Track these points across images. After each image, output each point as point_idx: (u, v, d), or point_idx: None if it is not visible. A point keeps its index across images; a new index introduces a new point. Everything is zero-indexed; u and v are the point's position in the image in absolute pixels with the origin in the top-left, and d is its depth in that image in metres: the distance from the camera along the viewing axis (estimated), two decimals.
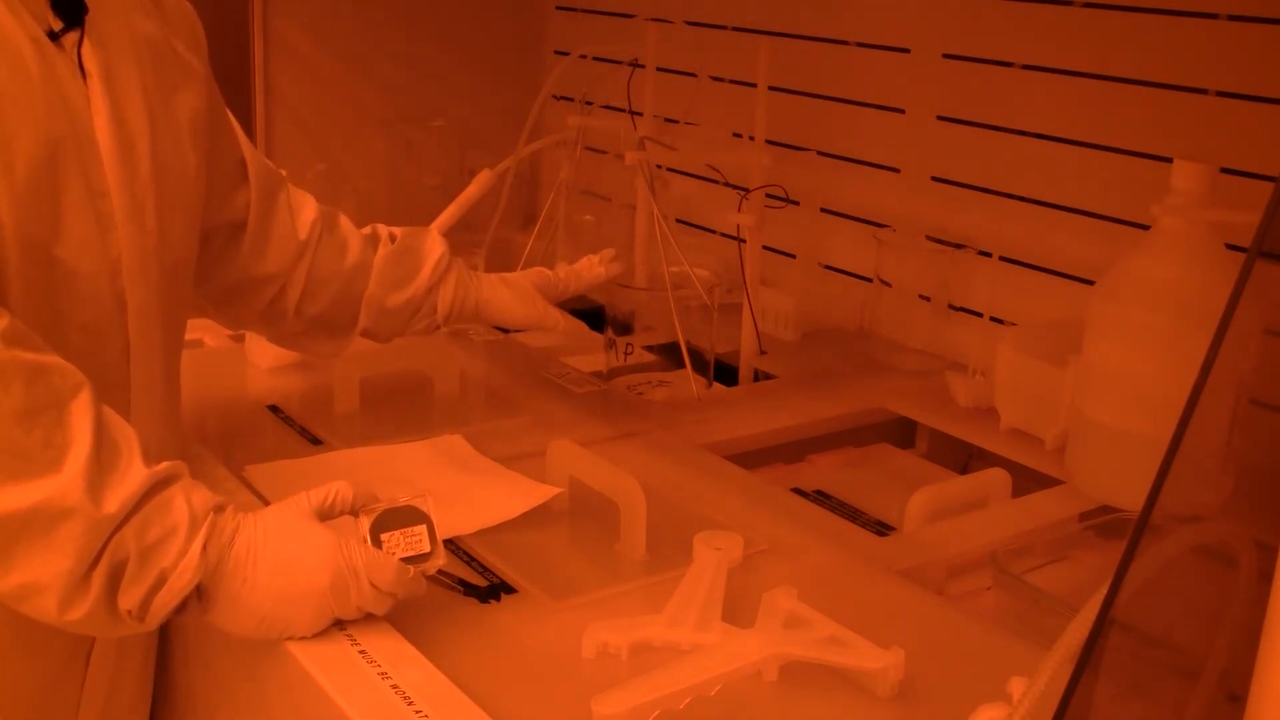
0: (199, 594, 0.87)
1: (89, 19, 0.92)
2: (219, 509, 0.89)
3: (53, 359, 0.84)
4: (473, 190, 1.66)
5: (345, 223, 1.26)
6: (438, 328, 1.31)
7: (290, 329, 1.25)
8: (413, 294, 1.26)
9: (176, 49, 1.03)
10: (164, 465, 0.87)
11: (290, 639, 0.91)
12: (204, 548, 0.86)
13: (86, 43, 0.92)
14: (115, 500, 0.83)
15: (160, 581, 0.85)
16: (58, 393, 0.83)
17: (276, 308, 1.22)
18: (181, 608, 0.87)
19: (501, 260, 1.94)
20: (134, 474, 0.84)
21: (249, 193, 1.16)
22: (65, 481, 0.81)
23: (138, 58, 0.97)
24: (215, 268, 1.17)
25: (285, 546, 0.89)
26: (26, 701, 0.98)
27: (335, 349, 1.28)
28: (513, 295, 1.31)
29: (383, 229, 1.28)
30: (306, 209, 1.22)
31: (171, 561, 0.85)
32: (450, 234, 1.65)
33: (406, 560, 0.92)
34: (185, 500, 0.87)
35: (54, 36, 0.90)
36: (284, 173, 1.23)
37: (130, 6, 0.98)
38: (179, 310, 1.04)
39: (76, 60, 0.92)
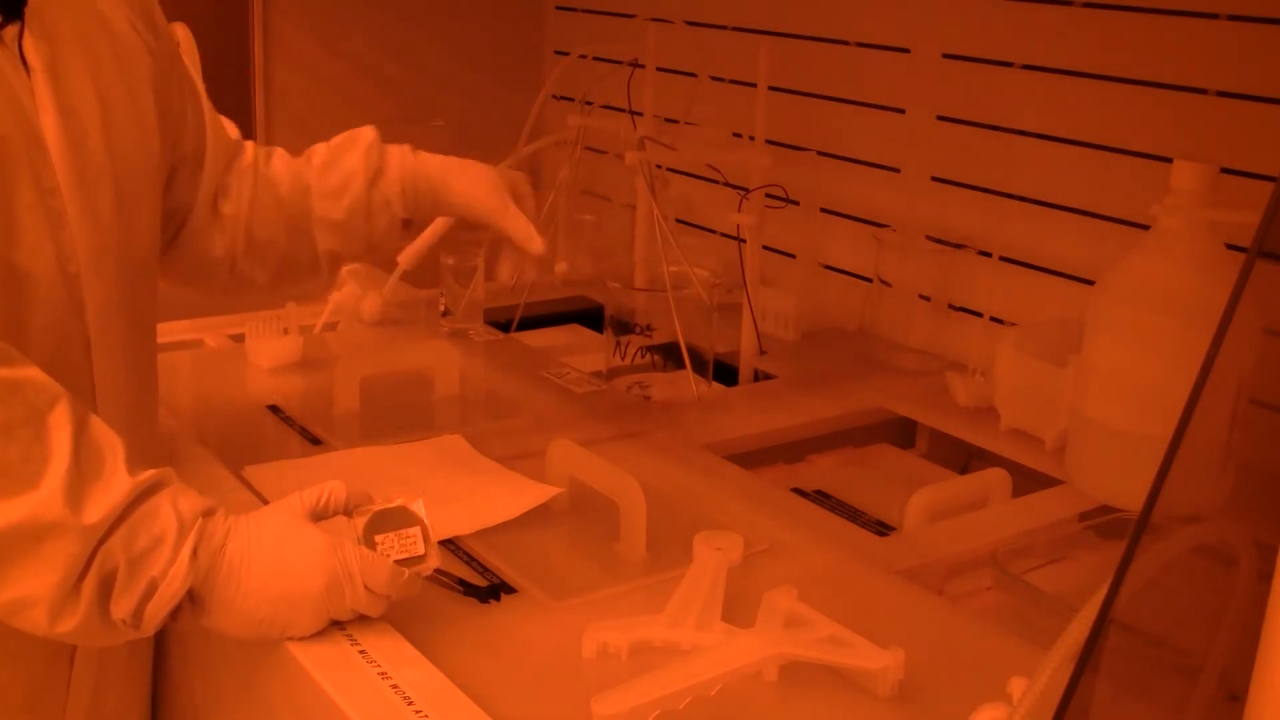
0: (192, 599, 0.87)
1: (29, 10, 0.89)
2: (208, 513, 0.88)
3: (28, 372, 0.83)
4: None
5: (277, 164, 1.19)
6: (409, 223, 1.21)
7: (264, 284, 1.20)
8: (355, 195, 1.17)
9: (135, 25, 1.00)
10: (149, 473, 0.86)
11: (286, 640, 0.90)
12: (193, 554, 0.85)
13: (28, 35, 0.89)
14: (98, 510, 0.82)
15: (151, 590, 0.84)
16: (33, 407, 0.82)
17: (238, 278, 1.19)
18: (176, 613, 0.87)
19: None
20: (117, 484, 0.84)
21: (206, 179, 1.13)
22: (44, 496, 0.80)
23: (88, 44, 0.94)
24: (171, 255, 1.14)
25: (279, 549, 0.89)
26: (13, 704, 0.97)
27: (323, 278, 1.23)
28: (476, 177, 1.18)
29: (319, 146, 1.20)
30: (235, 185, 1.16)
31: (161, 569, 0.84)
32: (450, 234, 1.65)
33: (400, 562, 0.92)
34: (172, 507, 0.86)
35: None
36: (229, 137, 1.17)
37: None
38: (145, 304, 1.02)
39: (18, 55, 0.89)
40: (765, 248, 1.58)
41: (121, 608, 0.84)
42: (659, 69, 1.58)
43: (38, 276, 0.90)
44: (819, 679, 0.90)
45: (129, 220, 0.97)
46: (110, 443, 0.86)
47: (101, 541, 0.82)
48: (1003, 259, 1.50)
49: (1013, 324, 1.50)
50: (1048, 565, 1.14)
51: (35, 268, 0.89)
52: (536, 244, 1.17)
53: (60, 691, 1.01)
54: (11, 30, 0.89)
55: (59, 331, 0.92)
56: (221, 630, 0.89)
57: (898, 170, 1.67)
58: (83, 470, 0.83)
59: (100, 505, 0.82)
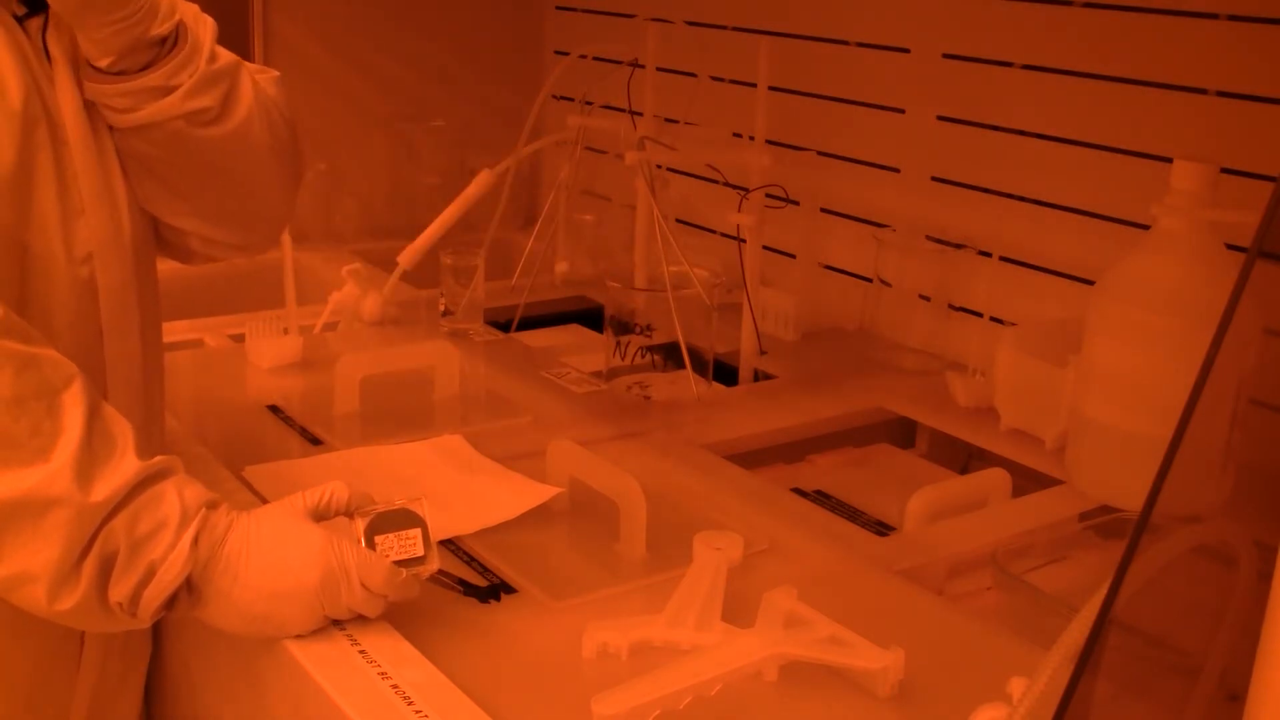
0: (189, 589, 0.87)
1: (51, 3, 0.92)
2: (212, 505, 0.89)
3: (46, 351, 0.85)
4: (473, 190, 1.66)
5: None
6: None
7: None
8: None
9: None
10: (158, 460, 0.87)
11: (282, 638, 0.91)
12: (194, 542, 0.86)
13: (50, 28, 0.92)
14: (104, 489, 0.83)
15: (150, 574, 0.85)
16: (48, 383, 0.83)
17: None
18: (172, 603, 0.87)
19: (502, 260, 1.94)
20: (126, 466, 0.85)
21: None
22: (53, 470, 0.81)
23: None
24: None
25: (277, 546, 0.89)
26: (21, 692, 0.98)
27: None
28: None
29: None
30: None
31: (161, 554, 0.85)
32: (450, 234, 1.65)
33: (400, 563, 0.92)
34: (177, 494, 0.87)
35: (20, 21, 0.91)
36: None
37: None
38: (151, 288, 1.03)
39: (42, 45, 0.92)
40: (765, 248, 1.58)
41: (120, 590, 0.84)
42: (659, 69, 1.58)
43: (52, 260, 0.91)
44: (819, 679, 0.90)
45: (134, 205, 0.98)
46: (121, 427, 0.87)
47: (105, 521, 0.83)
48: (1003, 259, 1.50)
49: (1013, 324, 1.50)
50: (1048, 565, 1.14)
51: (50, 251, 0.91)
52: None
53: (68, 681, 1.01)
54: (35, 23, 0.92)
55: (74, 315, 0.93)
56: (216, 624, 0.90)
57: (898, 170, 1.67)
58: (94, 449, 0.84)
59: (107, 485, 0.83)
